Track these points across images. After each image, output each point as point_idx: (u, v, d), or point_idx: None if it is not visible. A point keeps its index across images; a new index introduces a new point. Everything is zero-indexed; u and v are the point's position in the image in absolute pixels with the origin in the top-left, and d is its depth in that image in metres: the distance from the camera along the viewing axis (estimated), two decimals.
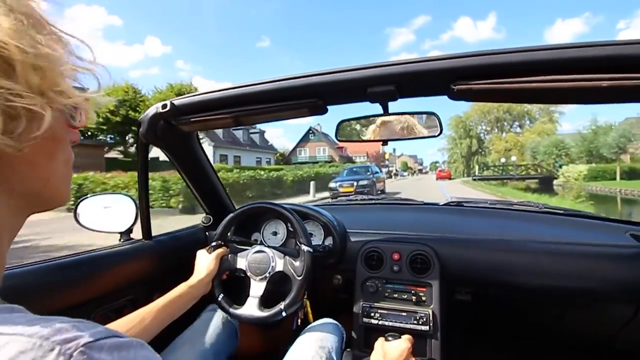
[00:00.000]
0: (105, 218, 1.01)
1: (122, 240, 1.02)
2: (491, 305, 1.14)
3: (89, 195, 1.02)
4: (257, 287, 0.92)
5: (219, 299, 0.92)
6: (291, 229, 1.13)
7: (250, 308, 0.90)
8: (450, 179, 36.81)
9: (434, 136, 0.78)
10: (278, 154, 37.47)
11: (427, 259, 0.99)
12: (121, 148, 21.81)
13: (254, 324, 0.96)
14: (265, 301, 0.91)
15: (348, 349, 0.98)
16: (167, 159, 1.05)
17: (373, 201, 1.61)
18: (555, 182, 26.69)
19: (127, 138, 21.45)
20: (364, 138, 0.86)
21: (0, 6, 0.28)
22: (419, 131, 0.79)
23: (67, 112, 0.35)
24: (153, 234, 1.07)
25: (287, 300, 0.88)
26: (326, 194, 13.22)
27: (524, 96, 0.65)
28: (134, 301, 0.96)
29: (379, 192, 12.87)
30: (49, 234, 5.89)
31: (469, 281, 1.02)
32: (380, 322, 0.97)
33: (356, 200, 1.70)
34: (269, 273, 0.92)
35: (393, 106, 0.76)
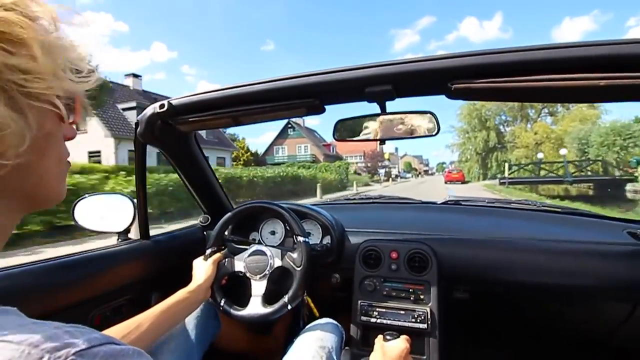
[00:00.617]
0: (103, 218, 1.01)
1: (119, 240, 1.02)
2: (489, 303, 1.14)
3: (86, 195, 1.02)
4: (259, 286, 0.92)
5: (221, 303, 0.92)
6: (289, 228, 1.13)
7: (255, 307, 0.90)
8: (463, 182, 28.16)
9: (432, 135, 0.78)
10: (236, 153, 28.34)
11: (425, 257, 0.99)
12: None
13: (259, 322, 0.95)
14: (269, 298, 0.91)
15: (346, 348, 0.98)
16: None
17: (371, 200, 1.61)
18: (629, 187, 16.20)
19: None
20: (362, 138, 0.86)
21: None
22: (417, 131, 0.79)
23: (61, 107, 0.34)
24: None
25: (290, 293, 0.88)
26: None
27: (521, 95, 0.65)
28: (132, 301, 0.96)
29: None
30: None
31: (467, 279, 1.02)
32: (379, 321, 0.97)
33: (354, 199, 1.70)
34: (269, 271, 0.92)
35: (391, 106, 0.76)
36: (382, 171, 32.27)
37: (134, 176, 1.01)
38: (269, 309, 0.88)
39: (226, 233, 1.03)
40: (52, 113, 0.33)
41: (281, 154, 36.49)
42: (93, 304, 0.85)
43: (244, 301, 0.92)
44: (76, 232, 5.38)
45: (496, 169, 29.11)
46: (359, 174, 32.09)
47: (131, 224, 1.02)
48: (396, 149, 60.41)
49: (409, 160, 79.14)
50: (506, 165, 21.49)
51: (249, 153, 31.57)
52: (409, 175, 59.32)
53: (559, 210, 1.29)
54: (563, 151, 21.38)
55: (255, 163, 30.25)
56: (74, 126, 0.38)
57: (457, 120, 32.60)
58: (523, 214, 1.28)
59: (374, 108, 0.77)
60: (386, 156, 40.36)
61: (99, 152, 16.20)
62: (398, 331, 0.86)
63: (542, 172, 21.67)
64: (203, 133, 22.71)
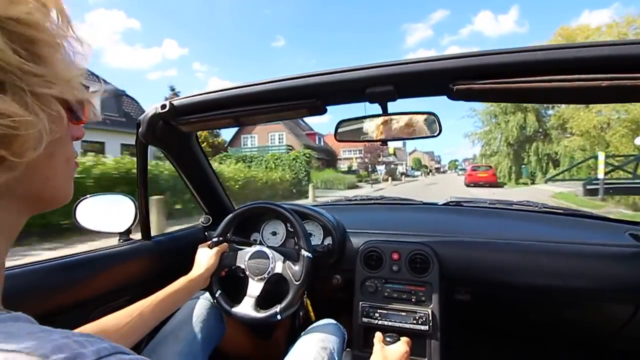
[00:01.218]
0: (104, 218, 1.01)
1: (121, 240, 1.02)
2: (491, 305, 1.14)
3: (88, 195, 1.02)
4: (255, 287, 0.92)
5: (217, 295, 0.93)
6: (291, 229, 1.13)
7: (246, 307, 0.90)
8: (496, 184, 18.18)
9: (434, 136, 0.78)
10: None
11: (426, 258, 0.99)
12: None
13: (248, 324, 0.96)
14: (262, 302, 0.92)
15: (347, 349, 0.98)
16: None
17: (372, 201, 1.61)
18: None
19: None
20: (364, 138, 0.86)
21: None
22: (418, 131, 0.79)
23: (74, 108, 0.34)
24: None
25: (283, 304, 0.88)
26: None
27: (523, 96, 0.65)
28: (133, 301, 0.95)
29: None
30: None
31: (468, 281, 1.02)
32: (380, 322, 0.97)
33: (355, 200, 1.70)
34: (268, 274, 0.93)
35: (392, 106, 0.76)
36: (381, 168, 26.94)
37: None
38: (258, 314, 0.89)
39: (228, 234, 1.03)
40: (63, 115, 0.32)
41: (250, 144, 28.54)
42: (94, 304, 0.85)
43: (237, 298, 0.93)
44: (68, 232, 5.03)
45: (535, 165, 21.52)
46: (355, 172, 28.59)
47: (132, 225, 1.02)
48: (404, 144, 53.41)
49: (419, 157, 73.91)
50: (600, 158, 11.02)
51: (206, 143, 21.42)
52: (417, 173, 52.83)
53: (560, 211, 1.28)
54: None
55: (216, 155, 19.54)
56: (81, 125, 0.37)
57: (480, 105, 22.58)
58: (525, 216, 1.27)
59: (376, 109, 0.77)
60: (391, 151, 37.44)
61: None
62: (399, 333, 0.86)
63: None
64: (109, 107, 15.13)
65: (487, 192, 13.63)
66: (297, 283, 0.90)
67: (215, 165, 11.06)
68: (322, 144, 32.49)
